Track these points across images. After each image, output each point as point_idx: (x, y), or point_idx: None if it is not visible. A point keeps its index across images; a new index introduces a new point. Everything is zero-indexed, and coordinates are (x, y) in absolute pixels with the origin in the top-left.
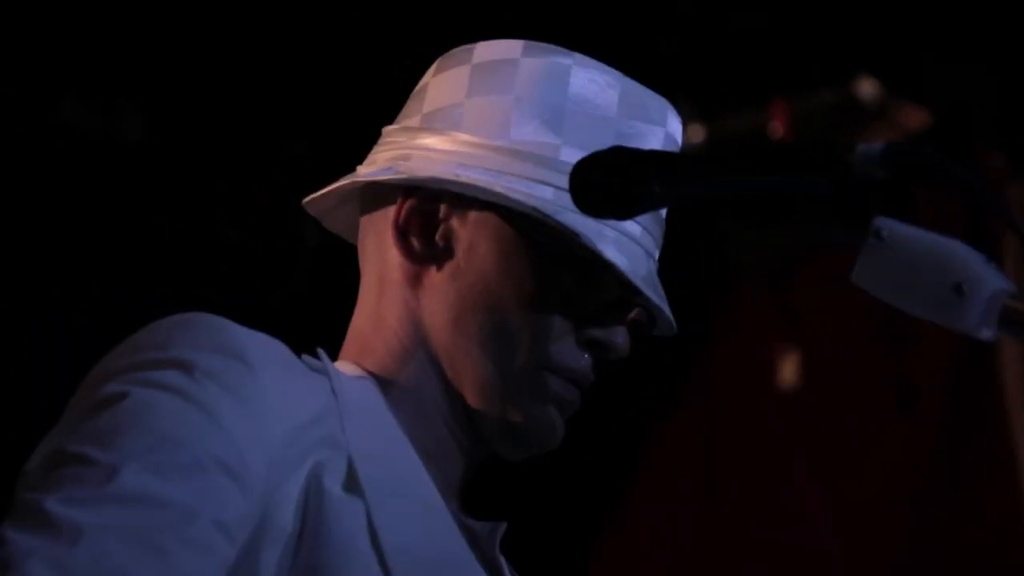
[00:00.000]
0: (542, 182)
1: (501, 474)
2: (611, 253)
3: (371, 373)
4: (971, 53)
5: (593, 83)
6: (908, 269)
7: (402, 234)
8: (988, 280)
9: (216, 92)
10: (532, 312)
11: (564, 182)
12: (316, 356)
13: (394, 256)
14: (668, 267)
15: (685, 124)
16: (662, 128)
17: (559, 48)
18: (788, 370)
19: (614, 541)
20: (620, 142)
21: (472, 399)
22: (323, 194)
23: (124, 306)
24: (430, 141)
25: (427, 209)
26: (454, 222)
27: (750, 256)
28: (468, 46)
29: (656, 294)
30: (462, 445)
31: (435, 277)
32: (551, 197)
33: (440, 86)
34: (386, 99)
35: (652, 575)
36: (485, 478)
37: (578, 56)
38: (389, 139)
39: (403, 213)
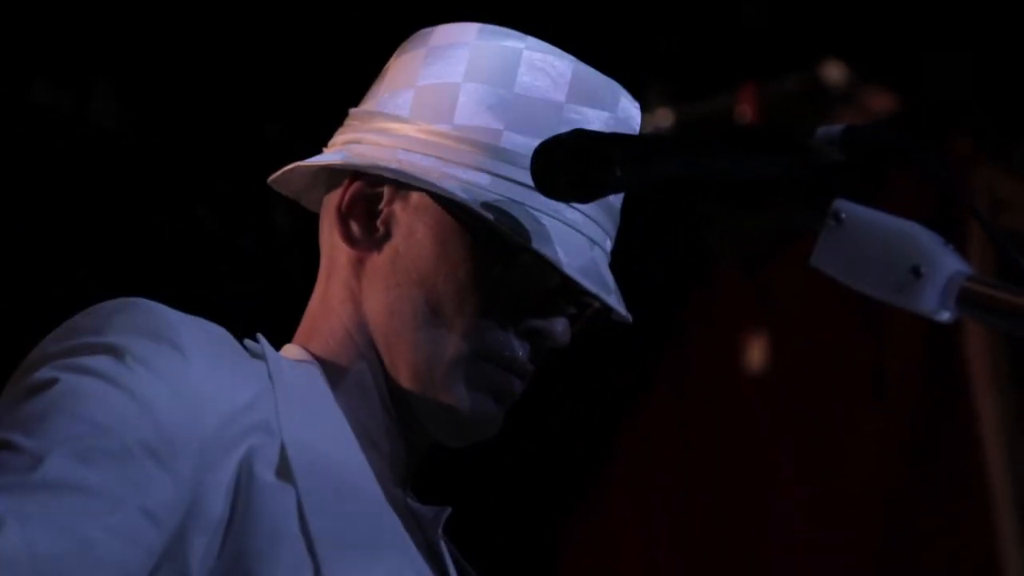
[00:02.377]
0: (479, 168)
1: (473, 459)
2: (542, 243)
3: (316, 357)
4: (938, 37)
5: (543, 68)
6: (867, 251)
7: (343, 219)
8: (946, 262)
9: (192, 74)
10: (467, 299)
11: (503, 168)
12: (257, 341)
13: (339, 240)
14: (642, 251)
15: (654, 108)
16: (611, 113)
17: (513, 32)
18: (761, 354)
19: (586, 527)
20: (565, 127)
21: (408, 384)
22: (293, 176)
23: (97, 290)
24: (381, 125)
25: (370, 194)
26: (396, 207)
27: (724, 241)
28: (429, 29)
29: (597, 284)
30: (404, 430)
31: (376, 262)
32: (486, 183)
33: (397, 69)
34: (366, 84)
35: (625, 560)
36: (457, 463)
37: (531, 40)
38: (349, 121)
39: (346, 198)
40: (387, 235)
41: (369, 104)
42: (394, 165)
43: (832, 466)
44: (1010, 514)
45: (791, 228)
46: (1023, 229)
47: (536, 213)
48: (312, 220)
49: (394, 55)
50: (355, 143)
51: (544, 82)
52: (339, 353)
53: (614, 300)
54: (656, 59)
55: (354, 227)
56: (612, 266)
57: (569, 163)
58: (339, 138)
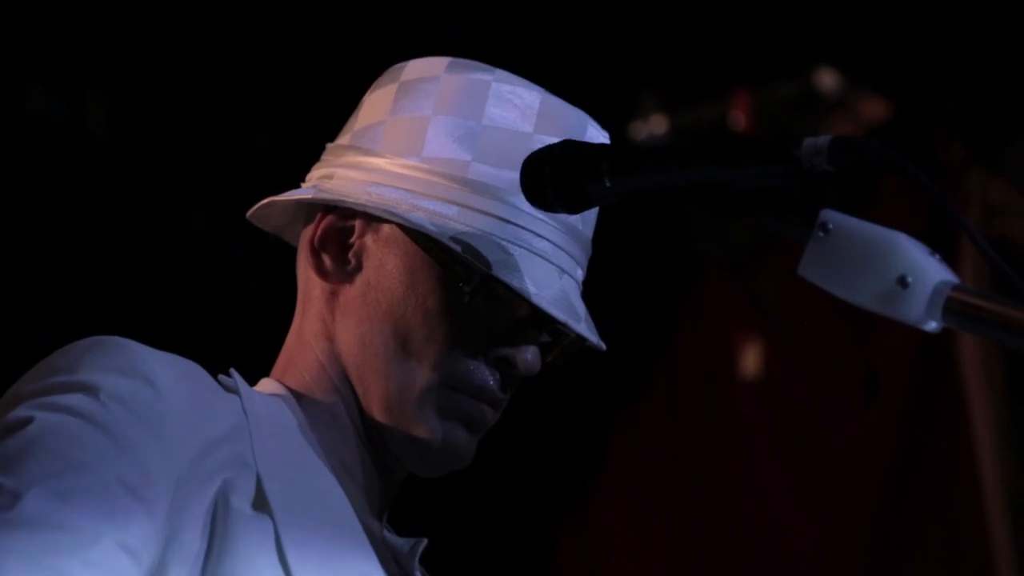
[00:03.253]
0: (448, 200)
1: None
2: (510, 273)
3: (292, 391)
4: (930, 43)
5: (510, 99)
6: (854, 261)
7: (316, 252)
8: (932, 272)
9: (184, 83)
10: (436, 330)
11: (472, 199)
12: (229, 376)
13: (312, 274)
14: (633, 258)
15: (648, 115)
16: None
17: (481, 65)
18: (752, 359)
19: (580, 532)
20: None
21: (380, 416)
22: (272, 211)
23: (90, 295)
24: (353, 159)
25: (342, 227)
26: (367, 240)
27: (714, 245)
28: (401, 64)
29: (566, 312)
30: (379, 462)
31: (348, 294)
32: (455, 215)
33: (370, 104)
34: (356, 92)
35: (618, 565)
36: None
37: (500, 72)
38: (324, 156)
39: (318, 231)
40: (359, 267)
41: (343, 139)
42: (364, 198)
43: (824, 470)
44: (1002, 518)
45: (779, 235)
46: (1015, 235)
47: (505, 243)
48: None
49: (368, 91)
50: (328, 177)
51: (512, 113)
52: (314, 387)
53: (584, 328)
54: (650, 66)
55: (326, 260)
56: (605, 276)
57: (558, 174)
58: (314, 173)
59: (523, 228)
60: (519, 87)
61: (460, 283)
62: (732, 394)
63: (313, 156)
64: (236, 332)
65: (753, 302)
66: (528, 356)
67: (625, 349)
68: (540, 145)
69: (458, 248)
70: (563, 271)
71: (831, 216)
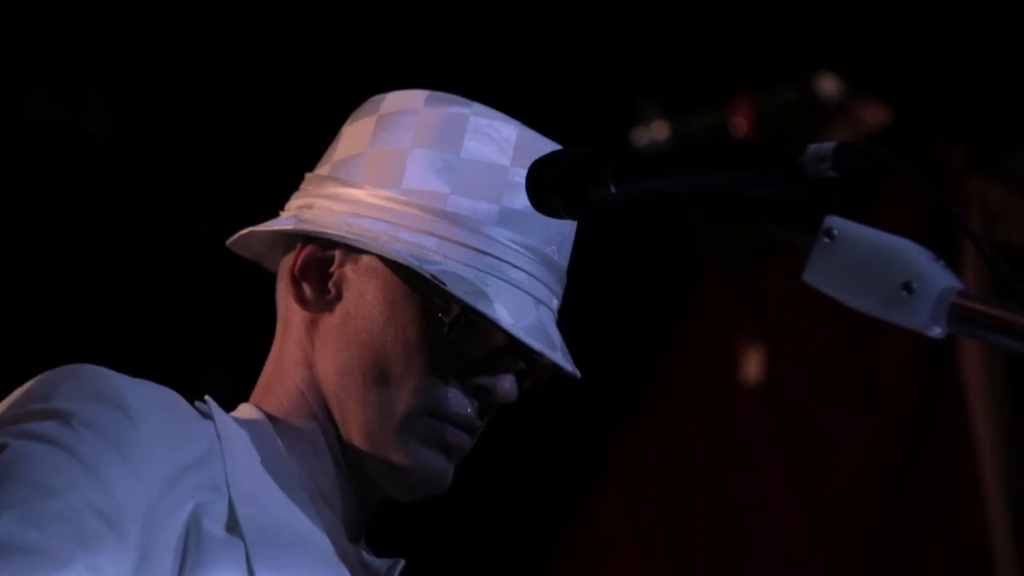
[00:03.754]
0: (427, 232)
1: (468, 468)
2: (487, 303)
3: (270, 416)
4: (930, 49)
5: (488, 132)
6: (858, 268)
7: (296, 281)
8: (936, 278)
9: (185, 86)
10: (415, 359)
11: (450, 231)
12: (205, 403)
13: (292, 302)
14: (633, 261)
15: (649, 120)
16: None
17: (459, 99)
18: (752, 361)
19: (580, 538)
20: (510, 191)
21: (359, 443)
22: (252, 240)
23: (89, 300)
24: (333, 190)
25: (322, 257)
26: (347, 270)
27: (714, 247)
28: (380, 96)
29: (542, 341)
30: (356, 487)
31: (328, 323)
32: (434, 246)
33: (350, 136)
34: (357, 95)
35: (618, 566)
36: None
37: (477, 106)
38: (304, 186)
39: (299, 261)
40: (338, 297)
41: (323, 169)
42: (344, 229)
43: (824, 472)
44: (1004, 523)
45: (783, 241)
46: (1017, 241)
47: (482, 274)
48: None
49: (347, 121)
50: (308, 207)
51: (489, 147)
52: (292, 412)
53: (559, 357)
54: (651, 72)
55: (307, 289)
56: (606, 277)
57: (562, 179)
58: (294, 202)
59: (500, 259)
60: (496, 121)
61: (439, 314)
62: (732, 396)
63: (313, 161)
64: (236, 339)
65: (753, 304)
66: (506, 385)
67: (625, 350)
68: (517, 178)
69: (437, 280)
70: (539, 301)
71: (836, 222)
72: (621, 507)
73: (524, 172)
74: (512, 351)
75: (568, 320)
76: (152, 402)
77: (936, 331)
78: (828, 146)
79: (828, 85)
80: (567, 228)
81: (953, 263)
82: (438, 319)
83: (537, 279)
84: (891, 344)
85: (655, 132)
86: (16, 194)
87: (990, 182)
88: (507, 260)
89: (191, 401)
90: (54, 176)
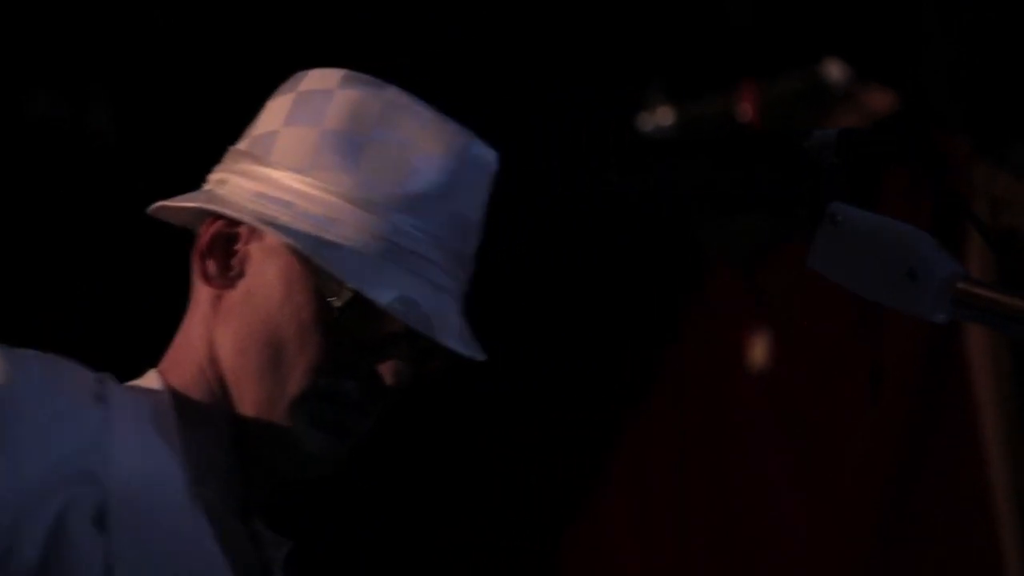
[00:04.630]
0: (329, 214)
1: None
2: (381, 288)
3: (171, 387)
4: (936, 37)
5: (399, 117)
6: (863, 254)
7: (202, 257)
8: (940, 264)
9: (187, 85)
10: (308, 340)
11: (351, 215)
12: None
13: (198, 277)
14: (639, 252)
15: (655, 107)
16: (460, 159)
17: (375, 80)
18: (759, 354)
19: (587, 530)
20: (416, 176)
21: (251, 420)
22: (171, 210)
23: (89, 299)
24: (246, 167)
25: (228, 233)
26: (252, 248)
27: (720, 241)
28: (303, 72)
29: (437, 327)
30: (249, 463)
31: (230, 300)
32: (334, 230)
33: (269, 111)
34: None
35: (625, 563)
36: (460, 466)
37: (392, 89)
38: (225, 158)
39: (206, 237)
40: (241, 274)
41: (243, 143)
42: (250, 207)
43: (830, 466)
44: (1011, 514)
45: (787, 229)
46: (1022, 228)
47: (380, 260)
48: None
49: (271, 96)
50: (222, 183)
51: (398, 131)
52: (191, 386)
53: (455, 342)
54: (657, 58)
55: (211, 265)
56: (611, 272)
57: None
58: (212, 176)
59: (400, 245)
60: (408, 104)
61: (330, 298)
62: (738, 390)
63: None
64: None
65: (759, 298)
66: (396, 370)
67: (631, 345)
68: (423, 163)
69: (332, 263)
70: (438, 287)
71: (841, 209)
72: (626, 501)
73: (433, 157)
74: (409, 336)
75: (569, 319)
76: (36, 390)
77: (939, 317)
78: (832, 132)
79: (834, 71)
80: (473, 214)
81: (957, 253)
82: (334, 303)
83: (437, 265)
84: (897, 337)
85: (660, 118)
86: (18, 192)
87: (995, 170)
88: (407, 247)
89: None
90: (57, 174)
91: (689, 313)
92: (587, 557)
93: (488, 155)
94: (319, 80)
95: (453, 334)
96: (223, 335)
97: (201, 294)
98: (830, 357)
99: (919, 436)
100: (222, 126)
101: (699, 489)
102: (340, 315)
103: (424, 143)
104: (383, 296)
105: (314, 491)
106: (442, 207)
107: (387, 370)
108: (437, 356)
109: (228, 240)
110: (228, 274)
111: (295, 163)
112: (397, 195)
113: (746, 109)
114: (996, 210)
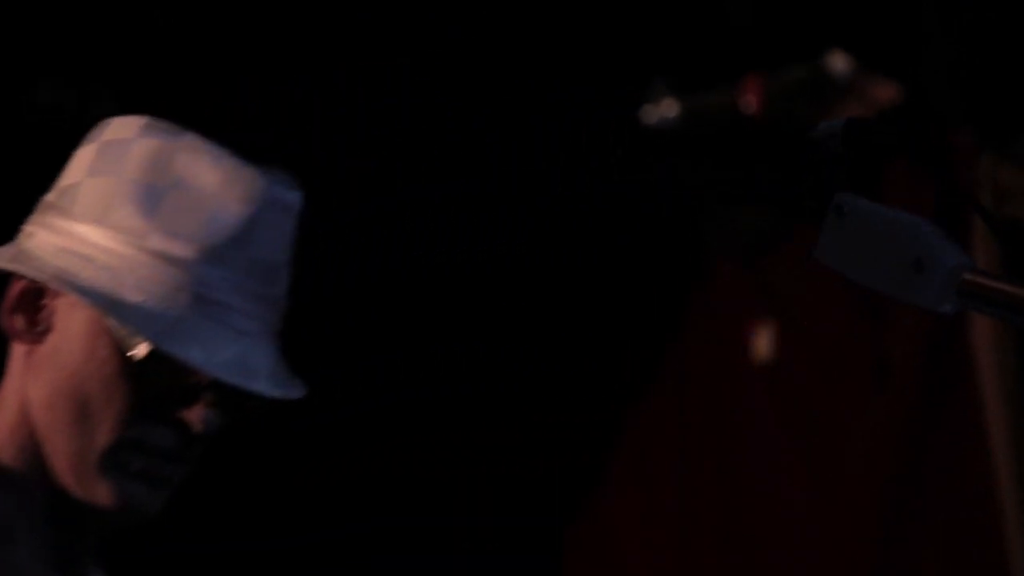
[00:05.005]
0: (127, 268)
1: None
2: (181, 341)
3: None
4: (941, 28)
5: (198, 166)
6: (869, 245)
7: (10, 313)
8: (946, 255)
9: (190, 83)
10: (114, 394)
11: (148, 266)
12: None
13: (8, 333)
14: (643, 245)
15: (659, 99)
16: (260, 203)
17: (175, 128)
18: (764, 347)
19: (590, 525)
20: (215, 225)
21: (64, 476)
22: None
23: None
24: (51, 220)
25: (34, 289)
26: (59, 303)
27: (725, 235)
28: (107, 121)
29: (239, 374)
30: (67, 518)
31: (40, 355)
32: (132, 283)
33: (75, 161)
34: (358, 88)
35: (630, 557)
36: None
37: (190, 137)
38: (37, 209)
39: (14, 292)
40: (49, 329)
41: (51, 195)
42: (54, 262)
43: (835, 457)
44: (1015, 504)
45: (792, 220)
46: None
47: (178, 311)
48: (307, 229)
49: (81, 144)
50: (30, 236)
51: (196, 179)
52: (6, 446)
53: (262, 385)
54: (661, 49)
55: (19, 320)
56: (614, 267)
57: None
58: (25, 227)
59: (199, 294)
60: (207, 151)
61: (129, 352)
62: (743, 383)
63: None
64: None
65: (764, 291)
66: (205, 417)
67: (633, 342)
68: (225, 213)
69: (127, 320)
70: (241, 332)
71: (847, 200)
72: (628, 502)
73: (234, 205)
74: (212, 384)
75: (571, 316)
76: None
77: (946, 308)
78: (838, 123)
79: (839, 63)
80: (275, 256)
81: (962, 245)
82: (137, 355)
83: (237, 311)
84: (902, 328)
85: (664, 110)
86: (20, 189)
87: (998, 161)
88: (206, 295)
89: None
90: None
91: (692, 309)
92: (591, 556)
93: (289, 196)
94: (120, 129)
95: (260, 377)
96: (34, 390)
97: (16, 350)
98: (834, 352)
99: (923, 431)
100: (222, 125)
101: (702, 486)
102: (140, 369)
103: (221, 189)
104: (180, 349)
105: (318, 487)
106: (241, 253)
107: (195, 417)
108: (252, 398)
109: (35, 295)
110: (36, 329)
111: (96, 215)
112: (195, 244)
113: (751, 101)
114: (999, 201)
